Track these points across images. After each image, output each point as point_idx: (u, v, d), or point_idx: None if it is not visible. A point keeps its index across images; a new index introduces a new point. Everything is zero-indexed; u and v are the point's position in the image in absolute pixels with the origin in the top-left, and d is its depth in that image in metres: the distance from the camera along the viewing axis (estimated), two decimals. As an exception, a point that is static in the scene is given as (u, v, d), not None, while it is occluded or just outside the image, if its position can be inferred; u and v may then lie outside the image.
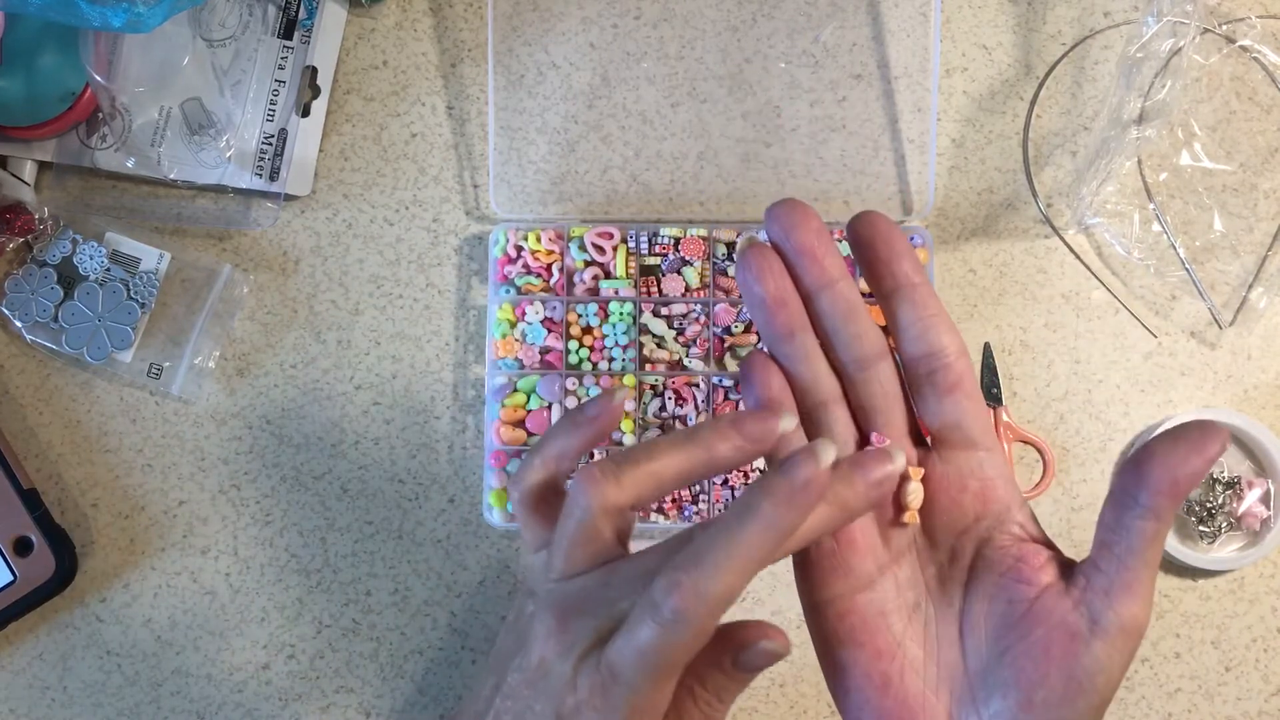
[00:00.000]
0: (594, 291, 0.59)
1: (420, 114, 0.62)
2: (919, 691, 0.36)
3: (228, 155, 0.59)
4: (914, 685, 0.36)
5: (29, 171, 0.59)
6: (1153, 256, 0.60)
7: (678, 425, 0.58)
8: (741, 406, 0.47)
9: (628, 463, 0.34)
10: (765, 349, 0.38)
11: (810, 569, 0.37)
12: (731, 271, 0.59)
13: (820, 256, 0.36)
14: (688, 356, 0.59)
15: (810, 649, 0.61)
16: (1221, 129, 0.61)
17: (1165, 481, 0.32)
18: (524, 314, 0.59)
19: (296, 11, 0.60)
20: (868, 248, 0.36)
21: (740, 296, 0.38)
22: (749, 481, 0.57)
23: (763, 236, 0.41)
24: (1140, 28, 0.55)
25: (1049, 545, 0.36)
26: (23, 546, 0.56)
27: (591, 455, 0.58)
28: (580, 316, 0.59)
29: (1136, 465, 0.33)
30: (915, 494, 0.36)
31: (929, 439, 0.37)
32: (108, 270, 0.58)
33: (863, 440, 0.37)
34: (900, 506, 0.37)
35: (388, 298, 0.61)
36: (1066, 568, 0.35)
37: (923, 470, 0.37)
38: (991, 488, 0.36)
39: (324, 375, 0.60)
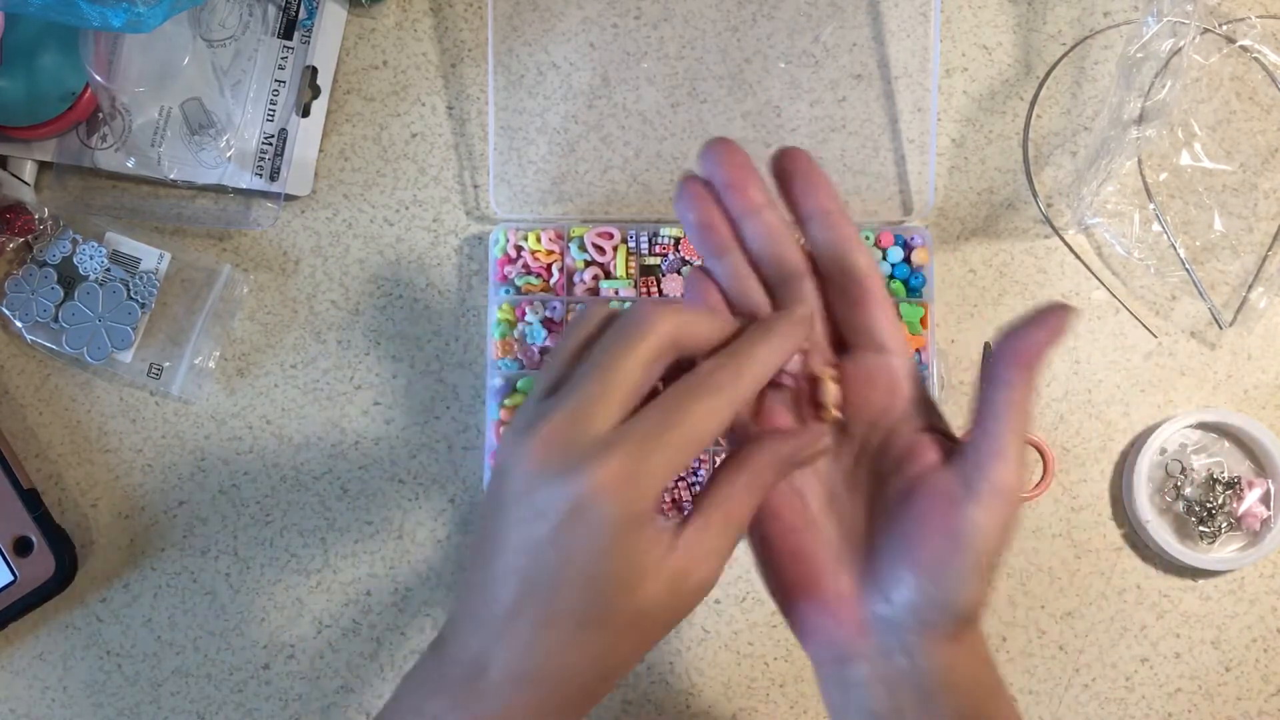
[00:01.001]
0: (594, 291, 0.59)
1: (420, 114, 0.62)
2: (828, 563, 0.40)
3: (228, 155, 0.59)
4: (824, 558, 0.40)
5: (29, 171, 0.59)
6: (1153, 256, 0.60)
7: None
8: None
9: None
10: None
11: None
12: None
13: (745, 187, 0.40)
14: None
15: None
16: (1221, 129, 0.61)
17: (1018, 354, 0.37)
18: (524, 314, 0.59)
19: (296, 11, 0.60)
20: (788, 180, 0.41)
21: (682, 226, 0.43)
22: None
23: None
24: (1140, 28, 0.55)
25: (947, 435, 0.40)
26: (23, 546, 0.56)
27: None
28: (580, 316, 0.59)
29: (997, 345, 0.38)
30: (831, 392, 0.40)
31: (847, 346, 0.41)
32: (108, 270, 0.58)
33: None
34: (819, 404, 0.40)
35: (388, 298, 0.61)
36: (952, 451, 0.39)
37: (835, 371, 0.40)
38: (898, 386, 0.40)
39: (324, 375, 0.60)
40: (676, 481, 0.57)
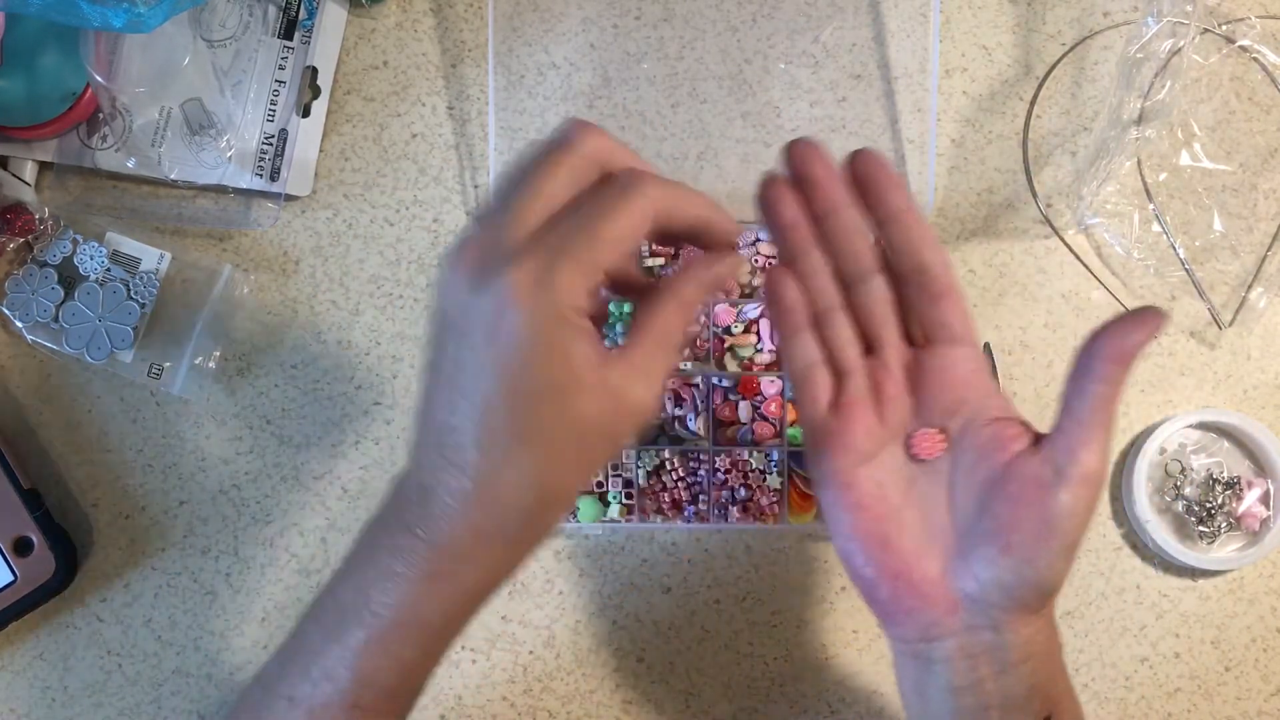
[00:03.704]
0: (594, 291, 0.59)
1: (420, 114, 0.62)
2: (915, 548, 0.42)
3: (228, 155, 0.59)
4: (910, 543, 0.42)
5: (30, 172, 0.59)
6: (1153, 256, 0.60)
7: (678, 426, 0.58)
8: (767, 317, 0.53)
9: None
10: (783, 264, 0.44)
11: (817, 444, 0.43)
12: (731, 271, 0.59)
13: (829, 187, 0.43)
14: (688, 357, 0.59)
15: (806, 650, 0.60)
16: (1221, 129, 0.61)
17: (1114, 351, 0.39)
18: (524, 314, 0.59)
19: (297, 12, 0.60)
20: (864, 182, 0.43)
21: (764, 223, 0.44)
22: (747, 481, 0.57)
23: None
24: (1140, 28, 0.55)
25: (1023, 423, 0.42)
26: (23, 546, 0.56)
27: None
28: (580, 316, 0.59)
29: (1091, 341, 0.40)
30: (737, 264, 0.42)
31: (922, 338, 0.44)
32: (108, 270, 0.58)
33: (866, 341, 0.43)
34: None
35: (388, 298, 0.61)
36: (1037, 437, 0.41)
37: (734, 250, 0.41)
38: (974, 377, 0.43)
39: (324, 375, 0.60)
40: (676, 481, 0.57)
